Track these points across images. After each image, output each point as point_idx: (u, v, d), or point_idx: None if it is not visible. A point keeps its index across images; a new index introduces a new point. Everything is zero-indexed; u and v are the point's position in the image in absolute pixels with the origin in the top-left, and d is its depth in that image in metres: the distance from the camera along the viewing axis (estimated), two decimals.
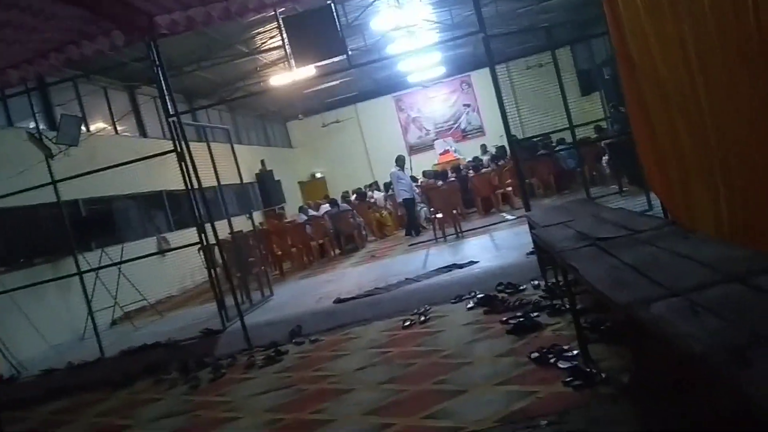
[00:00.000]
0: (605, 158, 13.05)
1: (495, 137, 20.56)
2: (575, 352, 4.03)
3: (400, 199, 13.05)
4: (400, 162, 13.19)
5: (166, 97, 7.28)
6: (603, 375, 3.58)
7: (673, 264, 3.04)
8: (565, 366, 3.86)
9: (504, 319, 5.24)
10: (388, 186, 14.47)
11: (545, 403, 3.50)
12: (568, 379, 3.65)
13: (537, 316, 5.11)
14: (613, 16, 5.39)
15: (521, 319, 5.05)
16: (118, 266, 9.17)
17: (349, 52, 7.14)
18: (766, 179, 3.48)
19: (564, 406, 3.38)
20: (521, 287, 6.26)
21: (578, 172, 14.27)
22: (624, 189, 11.08)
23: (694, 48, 3.97)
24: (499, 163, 15.05)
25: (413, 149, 24.67)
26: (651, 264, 3.10)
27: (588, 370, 3.70)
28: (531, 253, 6.98)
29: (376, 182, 18.97)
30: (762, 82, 3.30)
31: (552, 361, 4.02)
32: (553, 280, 5.73)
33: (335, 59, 7.07)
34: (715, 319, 2.18)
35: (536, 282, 6.23)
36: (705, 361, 1.94)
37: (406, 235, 13.05)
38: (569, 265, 3.57)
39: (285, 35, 7.00)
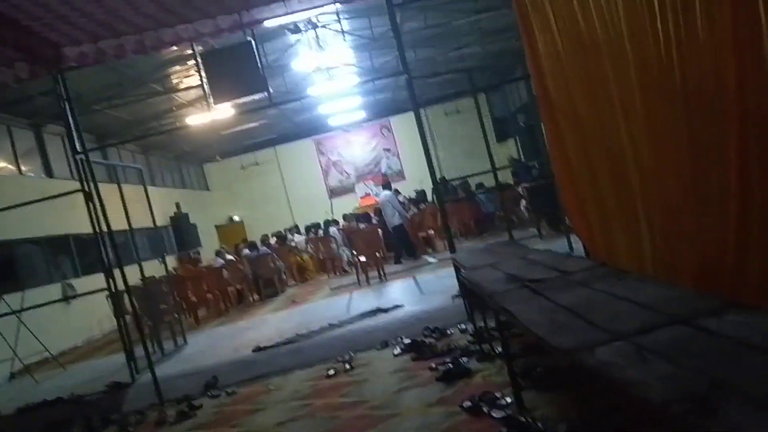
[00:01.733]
0: (523, 202, 13.27)
1: (415, 181, 20.76)
2: (508, 399, 3.86)
3: (395, 224, 12.39)
4: (389, 186, 13.16)
5: (74, 134, 6.85)
6: (539, 425, 3.42)
7: (611, 306, 2.94)
8: (499, 416, 3.68)
9: (432, 365, 5.04)
10: (379, 211, 13.71)
11: None
12: (503, 430, 3.47)
13: (466, 361, 4.93)
14: (533, 60, 5.44)
15: (450, 366, 4.86)
16: (18, 315, 8.44)
17: (271, 90, 6.93)
18: (687, 218, 3.49)
19: None
20: (448, 332, 6.09)
21: (497, 216, 14.50)
22: (542, 233, 11.24)
23: (617, 91, 3.99)
24: (420, 207, 15.06)
25: (334, 192, 24.60)
26: (588, 306, 2.99)
27: (523, 419, 3.54)
28: (457, 296, 6.87)
29: (296, 225, 18.66)
30: (683, 123, 3.31)
31: (485, 410, 3.83)
32: (481, 324, 5.60)
33: (255, 96, 6.84)
34: (666, 363, 2.06)
35: (463, 326, 6.09)
36: (666, 411, 1.79)
37: (396, 263, 12.41)
38: (503, 308, 3.43)
39: (203, 71, 6.73)
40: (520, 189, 13.42)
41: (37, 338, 9.56)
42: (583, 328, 2.70)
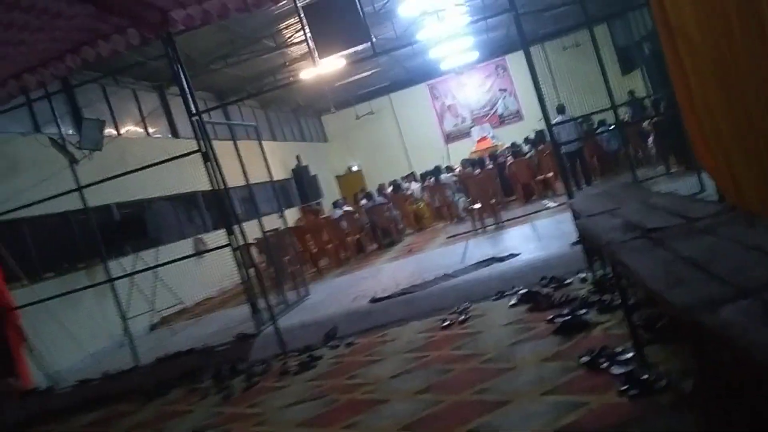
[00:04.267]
0: (651, 138, 12.43)
1: (533, 121, 20.01)
2: (629, 354, 3.65)
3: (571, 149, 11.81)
4: (563, 110, 12.20)
5: (188, 96, 7.11)
6: (662, 382, 3.20)
7: (739, 257, 2.64)
8: (619, 372, 3.49)
9: (549, 317, 4.86)
10: (494, 155, 13.53)
11: (598, 415, 3.14)
12: (623, 387, 3.28)
13: (585, 313, 4.71)
14: None
15: (568, 318, 4.66)
16: (154, 271, 9.06)
17: (374, 39, 6.81)
18: None
19: (619, 419, 3.02)
20: (566, 281, 5.85)
21: (622, 154, 13.71)
22: (671, 170, 10.53)
23: (737, 15, 3.54)
24: (539, 148, 14.52)
25: (450, 137, 24.29)
26: (712, 257, 2.70)
27: (644, 376, 3.33)
28: (576, 243, 6.58)
29: (413, 173, 18.64)
30: None
31: (604, 365, 3.64)
32: (602, 273, 5.33)
33: (359, 47, 6.75)
34: None
35: (583, 275, 5.80)
36: None
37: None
38: (618, 260, 3.20)
39: (306, 25, 6.71)
40: (645, 124, 12.58)
41: (173, 291, 10.26)
42: (705, 282, 2.45)
